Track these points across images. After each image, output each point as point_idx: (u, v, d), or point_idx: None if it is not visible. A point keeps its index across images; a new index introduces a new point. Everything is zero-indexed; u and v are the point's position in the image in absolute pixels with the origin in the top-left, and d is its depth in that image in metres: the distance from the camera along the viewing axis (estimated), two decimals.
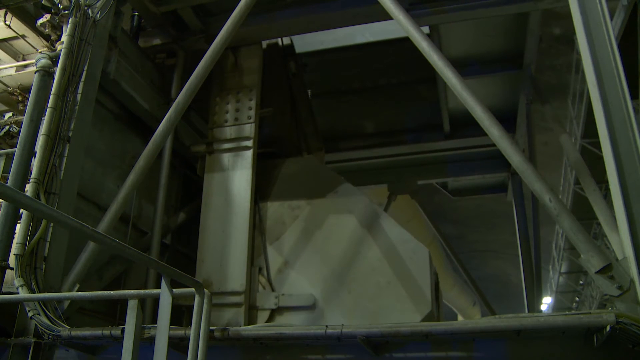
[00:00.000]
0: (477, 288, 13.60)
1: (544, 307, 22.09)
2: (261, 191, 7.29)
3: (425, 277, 6.32)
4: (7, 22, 6.75)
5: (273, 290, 6.70)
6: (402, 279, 6.33)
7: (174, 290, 4.18)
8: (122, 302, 6.60)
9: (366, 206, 6.90)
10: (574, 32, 4.98)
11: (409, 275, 6.35)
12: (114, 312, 6.80)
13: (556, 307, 21.73)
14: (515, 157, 4.92)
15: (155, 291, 4.40)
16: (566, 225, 4.71)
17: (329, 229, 6.87)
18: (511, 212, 11.53)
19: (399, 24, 5.72)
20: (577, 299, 20.30)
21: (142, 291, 4.83)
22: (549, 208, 4.73)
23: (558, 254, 17.28)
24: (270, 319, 6.56)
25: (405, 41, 6.57)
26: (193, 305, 4.35)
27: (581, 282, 18.77)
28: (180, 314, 6.80)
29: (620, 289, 4.26)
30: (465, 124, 9.85)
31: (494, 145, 5.17)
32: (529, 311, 9.69)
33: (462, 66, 8.81)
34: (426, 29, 8.04)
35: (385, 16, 5.97)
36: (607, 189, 4.48)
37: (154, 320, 4.44)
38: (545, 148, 13.18)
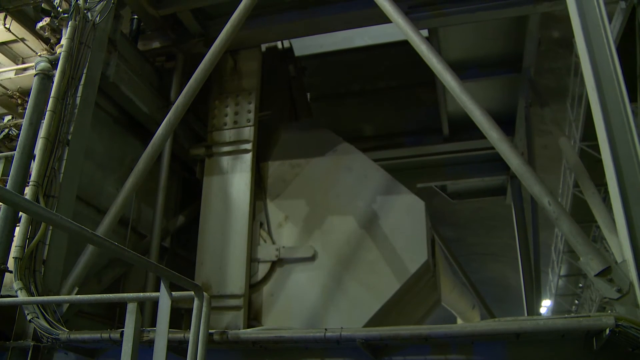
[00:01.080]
0: (477, 291, 13.61)
1: (543, 310, 22.08)
2: (262, 153, 7.45)
3: (421, 228, 6.55)
4: (7, 26, 6.75)
5: (274, 243, 6.83)
6: (399, 231, 6.57)
7: (173, 293, 4.17)
8: (121, 305, 6.57)
9: (364, 163, 7.11)
10: (572, 35, 4.99)
11: (406, 227, 6.58)
12: (113, 315, 6.79)
13: (555, 310, 21.73)
14: (514, 160, 4.92)
15: (154, 294, 4.39)
16: (565, 228, 4.71)
17: (328, 185, 7.06)
18: (510, 215, 11.54)
19: (398, 27, 5.73)
20: (576, 301, 20.30)
21: (141, 294, 4.83)
22: (548, 211, 4.73)
23: (557, 257, 17.28)
24: (271, 270, 6.71)
25: (405, 44, 6.58)
26: (192, 309, 4.34)
27: (580, 285, 18.76)
28: (180, 317, 6.79)
29: (620, 291, 4.26)
30: (465, 127, 9.85)
31: (493, 148, 5.17)
32: (528, 314, 9.69)
33: (461, 69, 8.81)
34: (425, 32, 8.05)
35: (385, 19, 5.98)
36: (606, 192, 4.49)
37: (153, 323, 4.44)
38: (545, 151, 13.19)
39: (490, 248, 22.33)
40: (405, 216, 6.66)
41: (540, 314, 11.31)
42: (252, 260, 6.76)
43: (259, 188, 7.23)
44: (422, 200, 6.75)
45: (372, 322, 6.32)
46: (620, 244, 4.27)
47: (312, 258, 6.67)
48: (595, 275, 4.44)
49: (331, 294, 6.49)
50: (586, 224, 12.16)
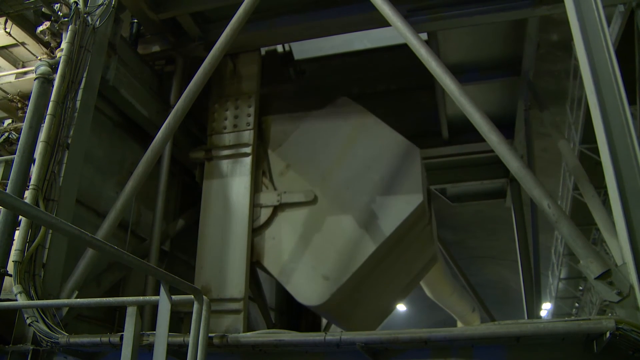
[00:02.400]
0: (477, 294, 13.61)
1: (543, 313, 22.05)
2: (264, 108, 7.70)
3: (416, 172, 6.86)
4: (8, 30, 6.77)
5: (275, 189, 7.09)
6: (396, 175, 6.86)
7: (173, 297, 4.17)
8: (121, 309, 6.59)
9: (362, 113, 7.41)
10: (571, 38, 5.00)
11: (402, 171, 6.88)
12: (113, 318, 6.79)
13: (556, 313, 21.69)
14: (513, 163, 4.93)
15: (154, 298, 4.39)
16: (565, 231, 4.72)
17: (327, 134, 7.34)
18: (510, 218, 11.53)
19: (398, 31, 5.75)
20: (576, 304, 20.26)
21: (141, 298, 4.82)
22: (548, 214, 4.73)
23: (557, 259, 17.25)
24: (272, 215, 6.97)
25: (404, 48, 6.60)
26: (192, 312, 4.34)
27: (581, 288, 18.73)
28: (179, 321, 6.78)
29: (620, 294, 4.26)
30: (464, 130, 9.85)
31: (492, 151, 5.18)
32: (528, 317, 9.69)
33: (460, 72, 8.83)
34: (424, 36, 8.06)
35: (384, 23, 5.99)
36: (606, 195, 4.48)
37: (153, 327, 4.44)
38: (544, 154, 13.18)
39: (490, 251, 22.32)
40: (401, 161, 6.95)
41: (540, 317, 11.29)
42: (254, 205, 7.04)
43: (260, 140, 7.50)
44: (416, 147, 7.07)
45: (370, 261, 6.63)
46: (620, 247, 4.27)
47: (312, 202, 6.93)
48: (596, 278, 4.44)
49: (330, 235, 6.75)
50: (586, 226, 12.14)
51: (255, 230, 6.97)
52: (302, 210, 6.95)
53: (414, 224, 7.03)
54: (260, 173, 7.25)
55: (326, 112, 7.52)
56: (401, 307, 31.21)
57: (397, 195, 6.77)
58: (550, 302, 21.47)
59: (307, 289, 6.59)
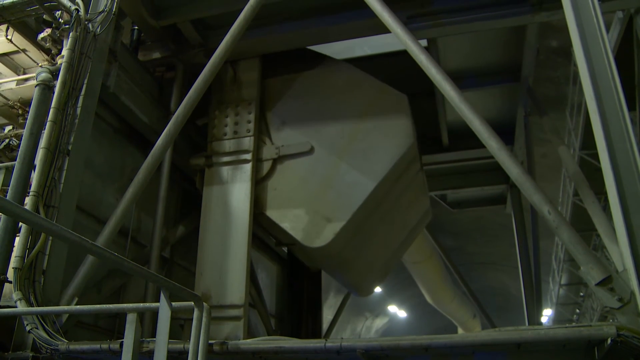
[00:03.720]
0: (477, 300, 13.58)
1: (544, 319, 22.01)
2: (263, 72, 8.04)
3: (406, 117, 7.23)
4: (9, 37, 6.79)
5: (273, 144, 7.43)
6: (387, 122, 7.28)
7: (173, 303, 4.17)
8: (121, 316, 6.57)
9: (349, 70, 7.79)
10: (571, 45, 5.02)
11: (392, 117, 7.26)
12: (113, 325, 6.77)
13: (557, 319, 21.65)
14: (513, 169, 4.93)
15: (154, 305, 4.38)
16: (565, 237, 4.71)
17: (319, 90, 7.74)
18: (510, 224, 11.53)
19: (397, 38, 5.76)
20: (577, 311, 20.21)
21: (141, 305, 4.81)
22: (548, 220, 4.73)
23: (558, 265, 17.23)
24: (272, 168, 7.31)
25: (404, 54, 6.63)
26: (192, 319, 4.33)
27: (582, 294, 18.68)
28: (180, 327, 6.77)
29: (621, 301, 4.25)
30: (464, 136, 9.86)
31: (492, 157, 5.18)
32: (529, 324, 9.67)
33: (460, 79, 8.85)
34: (424, 42, 8.09)
35: (384, 30, 6.01)
36: (606, 201, 4.49)
37: (153, 334, 4.43)
38: (544, 160, 13.19)
39: (490, 257, 22.30)
40: (391, 109, 7.31)
41: (541, 324, 11.27)
42: (257, 160, 7.40)
43: (258, 103, 7.78)
44: (404, 95, 7.44)
45: (369, 202, 6.94)
46: (620, 253, 4.27)
47: (309, 152, 7.25)
48: (596, 285, 4.43)
49: (330, 180, 7.06)
50: (586, 232, 12.13)
51: (258, 183, 7.27)
52: (300, 160, 7.28)
53: (407, 168, 7.41)
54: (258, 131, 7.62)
55: (318, 70, 7.88)
56: (402, 314, 31.16)
57: (389, 139, 7.12)
58: (551, 308, 21.43)
59: (311, 231, 6.88)
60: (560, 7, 5.16)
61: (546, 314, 22.32)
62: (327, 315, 14.16)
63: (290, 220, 6.99)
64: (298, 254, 8.33)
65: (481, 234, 19.88)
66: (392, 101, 7.37)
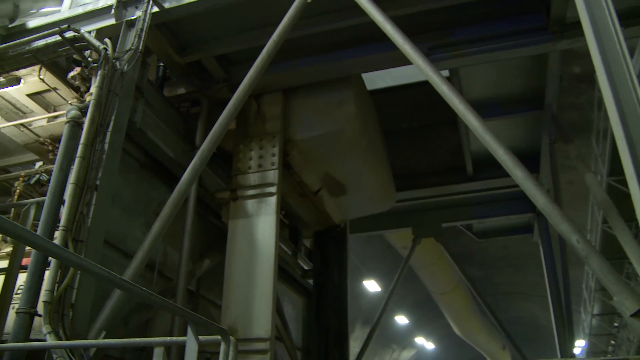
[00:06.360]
0: (506, 331, 13.27)
1: (577, 350, 21.38)
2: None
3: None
4: (42, 77, 7.00)
5: None
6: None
7: (200, 337, 4.16)
8: (148, 349, 6.57)
9: None
10: (594, 70, 4.99)
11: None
12: (140, 358, 6.77)
13: (590, 350, 20.97)
14: (540, 199, 4.87)
15: (181, 339, 4.38)
16: (596, 267, 4.61)
17: None
18: (538, 252, 11.33)
19: (419, 69, 5.80)
20: (612, 342, 19.56)
21: (168, 338, 4.82)
22: (577, 249, 4.64)
23: (589, 295, 16.80)
24: None
25: (426, 85, 6.66)
26: (219, 352, 4.32)
27: (616, 324, 18.11)
28: None
29: None
30: (488, 165, 9.82)
31: (518, 186, 5.13)
32: (561, 355, 9.41)
33: (483, 108, 8.85)
34: (446, 73, 8.13)
35: (406, 61, 6.06)
36: (637, 228, 4.40)
37: None
38: (571, 187, 13.03)
39: (518, 286, 21.90)
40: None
41: (574, 355, 10.96)
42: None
43: None
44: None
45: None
46: None
47: None
48: (631, 316, 4.31)
49: None
50: (618, 260, 11.85)
51: None
52: None
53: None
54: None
55: None
56: (429, 346, 30.57)
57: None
58: (584, 339, 20.81)
59: None
60: (582, 34, 5.14)
61: (579, 345, 21.67)
62: (354, 347, 13.99)
63: None
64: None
65: (508, 263, 19.58)
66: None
